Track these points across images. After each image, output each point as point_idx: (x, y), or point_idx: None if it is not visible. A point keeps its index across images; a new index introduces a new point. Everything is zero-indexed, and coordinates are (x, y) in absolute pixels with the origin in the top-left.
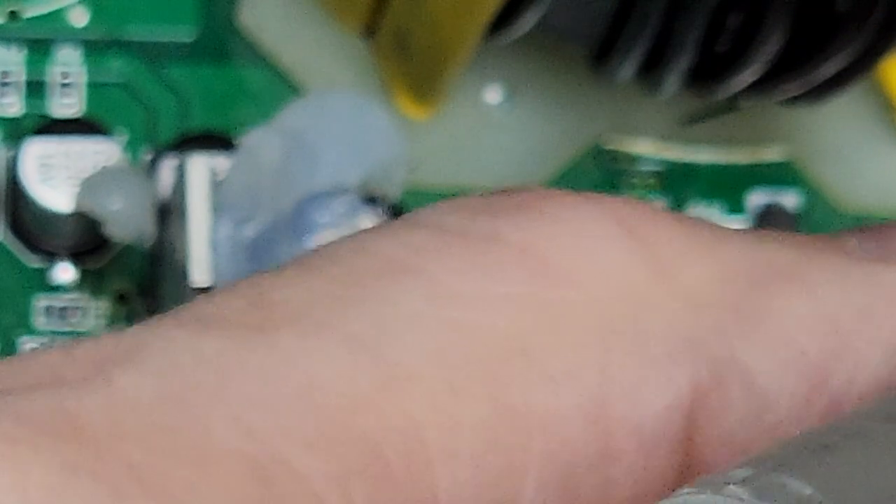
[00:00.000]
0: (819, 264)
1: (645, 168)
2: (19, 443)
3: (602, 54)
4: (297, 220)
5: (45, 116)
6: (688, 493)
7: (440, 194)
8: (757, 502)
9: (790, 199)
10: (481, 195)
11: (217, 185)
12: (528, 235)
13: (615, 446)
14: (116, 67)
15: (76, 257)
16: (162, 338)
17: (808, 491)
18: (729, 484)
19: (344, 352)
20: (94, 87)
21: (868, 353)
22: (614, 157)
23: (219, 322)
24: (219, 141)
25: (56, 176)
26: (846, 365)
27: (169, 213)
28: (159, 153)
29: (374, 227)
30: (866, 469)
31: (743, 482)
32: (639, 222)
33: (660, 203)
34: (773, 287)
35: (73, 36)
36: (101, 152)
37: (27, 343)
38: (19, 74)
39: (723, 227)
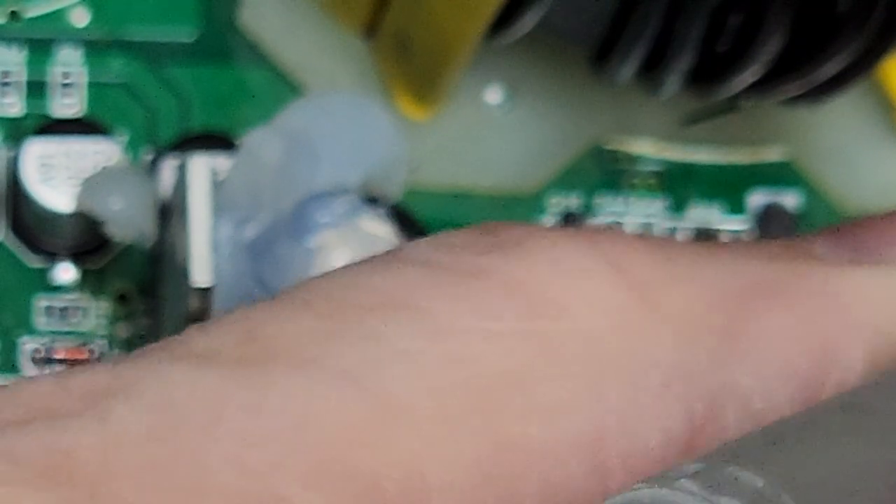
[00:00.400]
0: (795, 276)
1: (645, 168)
2: (14, 484)
3: (602, 55)
4: (297, 220)
5: (45, 116)
6: (639, 489)
7: (440, 194)
8: (708, 495)
9: (790, 199)
10: (465, 231)
11: (218, 186)
12: (515, 271)
13: (613, 481)
14: (117, 68)
15: (77, 257)
16: (156, 371)
17: (759, 483)
18: (680, 478)
19: (338, 387)
20: (95, 88)
21: (853, 355)
22: (614, 157)
23: (212, 356)
24: (219, 141)
25: (57, 176)
26: (836, 372)
27: (169, 213)
28: (160, 153)
29: (364, 262)
30: (819, 458)
31: (694, 476)
32: (619, 253)
33: (637, 233)
34: (755, 306)
35: (73, 36)
36: (101, 152)
37: (27, 343)
38: (20, 74)
39: (699, 247)
